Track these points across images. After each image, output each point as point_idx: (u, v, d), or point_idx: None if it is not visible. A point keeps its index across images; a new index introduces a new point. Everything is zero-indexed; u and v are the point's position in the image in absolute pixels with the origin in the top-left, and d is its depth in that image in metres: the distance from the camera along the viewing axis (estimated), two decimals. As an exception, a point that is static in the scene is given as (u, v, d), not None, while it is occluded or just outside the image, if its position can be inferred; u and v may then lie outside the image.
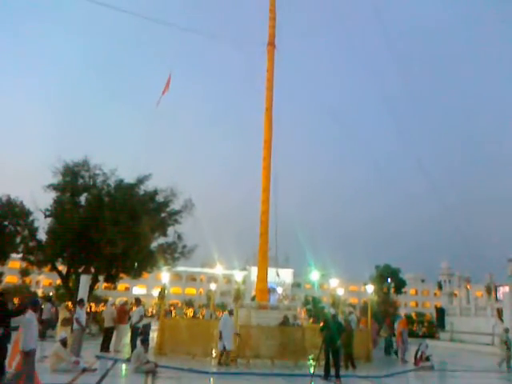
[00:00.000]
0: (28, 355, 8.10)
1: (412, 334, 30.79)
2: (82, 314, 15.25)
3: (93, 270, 27.83)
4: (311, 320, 41.39)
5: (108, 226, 24.87)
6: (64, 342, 12.48)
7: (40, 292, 66.25)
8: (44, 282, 77.08)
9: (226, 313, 15.17)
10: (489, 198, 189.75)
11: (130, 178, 28.31)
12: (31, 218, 27.75)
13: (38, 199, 26.97)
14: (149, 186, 28.59)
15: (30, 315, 8.34)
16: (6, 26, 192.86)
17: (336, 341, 12.66)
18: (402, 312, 45.43)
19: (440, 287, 62.37)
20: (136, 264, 28.44)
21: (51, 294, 51.95)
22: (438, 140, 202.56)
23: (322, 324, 13.63)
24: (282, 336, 15.39)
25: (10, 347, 9.05)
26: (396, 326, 20.56)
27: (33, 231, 27.74)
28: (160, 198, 28.59)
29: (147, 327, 16.77)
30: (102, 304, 46.10)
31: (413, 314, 63.62)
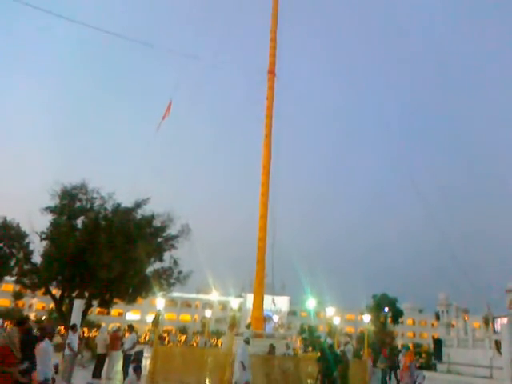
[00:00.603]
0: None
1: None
2: (74, 339, 15.01)
3: (87, 294, 27.52)
4: (310, 348, 40.79)
5: (104, 249, 24.73)
6: (55, 368, 12.25)
7: (32, 316, 65.29)
8: (37, 305, 76.05)
9: (242, 341, 14.31)
10: (487, 228, 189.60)
11: (127, 202, 28.33)
12: (27, 241, 27.62)
13: (34, 222, 26.93)
14: (146, 210, 28.59)
15: (46, 344, 8.17)
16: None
17: (332, 372, 12.47)
18: (399, 342, 44.90)
19: (437, 318, 61.76)
20: (131, 289, 28.17)
21: (44, 318, 51.21)
22: (436, 170, 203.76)
23: (318, 354, 13.43)
24: (267, 366, 14.68)
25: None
26: (401, 358, 19.65)
27: (28, 254, 27.55)
28: (157, 223, 28.53)
29: (140, 354, 16.50)
30: (95, 329, 45.43)
31: (410, 345, 62.83)
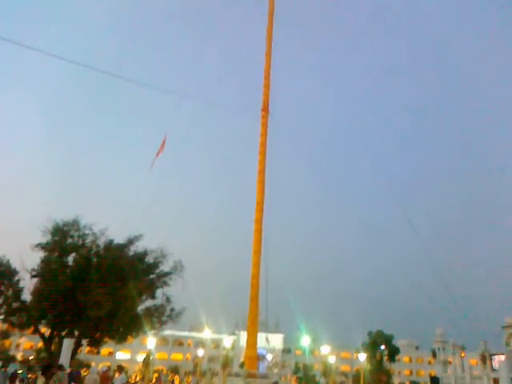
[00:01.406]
0: None
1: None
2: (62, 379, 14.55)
3: (76, 333, 26.92)
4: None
5: (95, 287, 24.37)
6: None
7: (19, 356, 63.51)
8: (25, 344, 74.08)
9: None
10: (483, 263, 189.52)
11: (120, 238, 28.12)
12: (17, 278, 27.17)
13: (25, 258, 26.58)
14: (139, 246, 28.38)
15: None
16: None
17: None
18: (396, 381, 43.98)
19: (434, 355, 60.81)
20: (121, 328, 27.60)
21: (31, 357, 49.82)
22: (431, 203, 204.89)
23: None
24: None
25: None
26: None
27: (17, 291, 27.04)
28: (150, 259, 28.28)
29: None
30: (85, 369, 44.18)
31: (407, 383, 61.58)
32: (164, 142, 21.33)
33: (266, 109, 21.80)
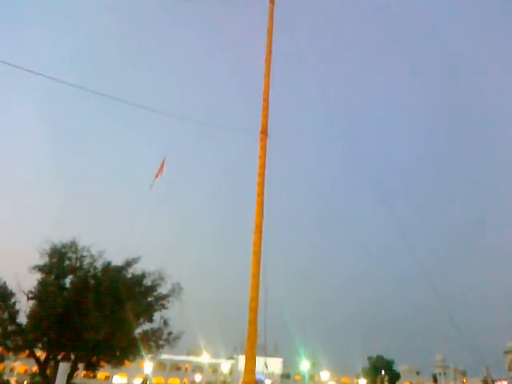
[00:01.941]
0: None
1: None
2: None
3: (72, 356, 26.53)
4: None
5: (92, 310, 24.12)
6: None
7: (13, 380, 62.43)
8: (19, 369, 72.86)
9: None
10: (484, 287, 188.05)
11: (118, 260, 27.97)
12: (13, 300, 26.91)
13: (22, 280, 26.39)
14: (137, 268, 28.20)
15: None
16: None
17: None
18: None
19: (435, 380, 59.82)
20: (118, 352, 27.23)
21: (26, 382, 48.97)
22: (430, 226, 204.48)
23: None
24: None
25: None
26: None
27: (13, 314, 26.73)
28: (147, 282, 28.07)
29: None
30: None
31: (408, 410, 60.52)
32: (163, 163, 21.38)
33: (264, 131, 21.91)
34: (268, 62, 22.59)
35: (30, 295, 26.46)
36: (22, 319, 26.71)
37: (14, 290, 26.72)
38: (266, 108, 22.43)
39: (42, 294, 26.11)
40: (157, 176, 21.66)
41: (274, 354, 75.09)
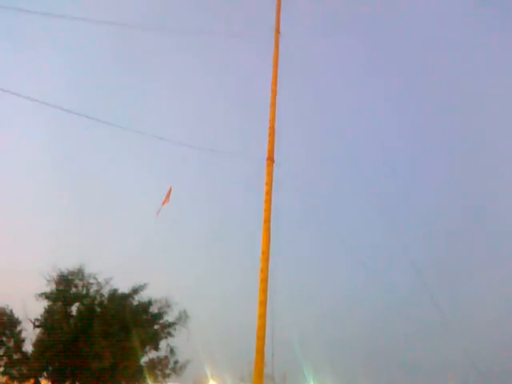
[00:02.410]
0: None
1: None
2: None
3: (77, 385, 26.24)
4: None
5: (98, 338, 23.98)
6: None
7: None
8: (24, 398, 71.76)
9: None
10: (493, 305, 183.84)
11: (124, 287, 27.88)
12: (19, 328, 26.80)
13: (28, 308, 26.35)
14: (143, 295, 28.07)
15: None
16: None
17: None
18: None
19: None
20: (124, 381, 26.87)
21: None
22: (433, 243, 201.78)
23: None
24: None
25: None
26: None
27: (19, 342, 26.57)
28: (154, 309, 27.89)
29: None
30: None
31: None
32: (170, 190, 21.54)
33: (271, 157, 22.04)
34: (274, 92, 22.89)
35: (37, 323, 26.38)
36: (28, 347, 26.57)
37: (20, 318, 26.67)
38: (271, 135, 22.60)
39: (48, 322, 26.03)
40: (164, 203, 21.80)
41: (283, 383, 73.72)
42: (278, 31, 22.87)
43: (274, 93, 23.24)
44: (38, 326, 26.45)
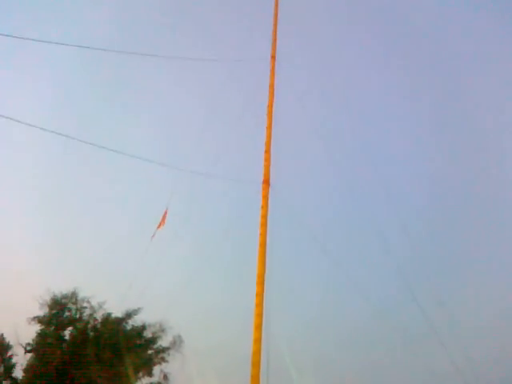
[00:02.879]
0: None
1: None
2: None
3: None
4: None
5: (90, 363, 23.65)
6: None
7: None
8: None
9: None
10: (474, 314, 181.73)
11: (118, 311, 27.56)
12: (10, 353, 26.37)
13: (20, 332, 25.99)
14: (137, 320, 27.76)
15: None
16: None
17: None
18: None
19: None
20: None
21: None
22: (435, 282, 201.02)
23: None
24: None
25: None
26: None
27: (9, 368, 26.10)
28: (148, 334, 27.56)
29: None
30: None
31: None
32: (165, 214, 21.48)
33: (266, 181, 22.07)
34: (270, 114, 23.08)
35: (28, 348, 25.99)
36: (18, 373, 26.10)
37: (11, 343, 26.27)
38: (267, 158, 22.67)
39: (40, 347, 25.66)
40: (159, 226, 21.70)
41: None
42: (273, 57, 23.18)
43: (270, 115, 23.43)
44: (29, 351, 26.04)
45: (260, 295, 19.35)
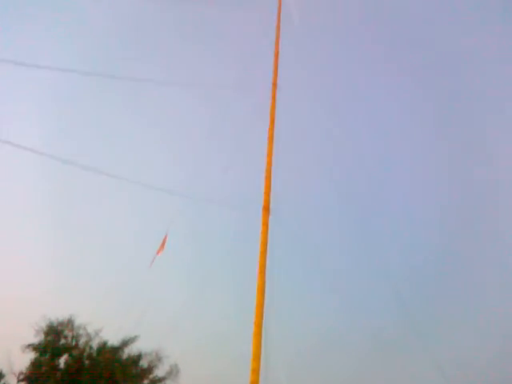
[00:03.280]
0: None
1: None
2: None
3: None
4: None
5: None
6: None
7: None
8: None
9: None
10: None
11: (114, 339, 27.06)
12: (2, 382, 25.79)
13: (14, 360, 25.49)
14: (133, 348, 27.25)
15: None
16: None
17: None
18: None
19: None
20: None
21: None
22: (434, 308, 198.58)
23: None
24: None
25: None
26: None
27: (1, 398, 25.53)
28: (144, 363, 27.04)
29: None
30: None
31: None
32: (164, 240, 21.28)
33: (266, 207, 21.92)
34: (270, 140, 23.15)
35: (21, 376, 25.45)
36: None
37: (4, 372, 25.73)
38: (268, 185, 22.57)
39: (33, 376, 25.12)
40: (158, 252, 21.46)
41: None
42: (274, 84, 23.38)
43: (271, 140, 23.45)
44: (21, 380, 25.50)
45: (258, 325, 18.97)
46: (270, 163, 23.62)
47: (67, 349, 26.39)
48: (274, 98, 23.98)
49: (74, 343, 26.69)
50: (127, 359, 26.65)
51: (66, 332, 26.79)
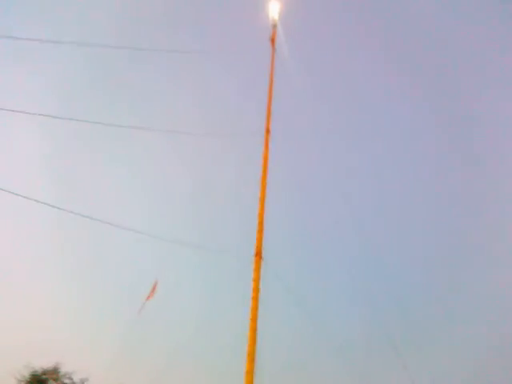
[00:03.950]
0: None
1: None
2: None
3: None
4: None
5: None
6: None
7: None
8: None
9: None
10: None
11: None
12: None
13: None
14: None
15: None
16: None
17: None
18: None
19: None
20: None
21: None
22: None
23: None
24: None
25: None
26: None
27: None
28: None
29: None
30: None
31: None
32: (155, 285, 20.98)
33: (259, 253, 21.83)
34: (263, 185, 23.31)
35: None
36: None
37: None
38: (260, 231, 22.56)
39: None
40: (148, 298, 21.08)
41: None
42: (267, 130, 23.75)
43: (264, 187, 23.58)
44: None
45: (250, 373, 18.52)
46: (262, 208, 23.62)
47: (51, 399, 25.43)
48: (266, 144, 24.30)
49: (58, 393, 25.73)
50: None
51: (51, 382, 25.89)
